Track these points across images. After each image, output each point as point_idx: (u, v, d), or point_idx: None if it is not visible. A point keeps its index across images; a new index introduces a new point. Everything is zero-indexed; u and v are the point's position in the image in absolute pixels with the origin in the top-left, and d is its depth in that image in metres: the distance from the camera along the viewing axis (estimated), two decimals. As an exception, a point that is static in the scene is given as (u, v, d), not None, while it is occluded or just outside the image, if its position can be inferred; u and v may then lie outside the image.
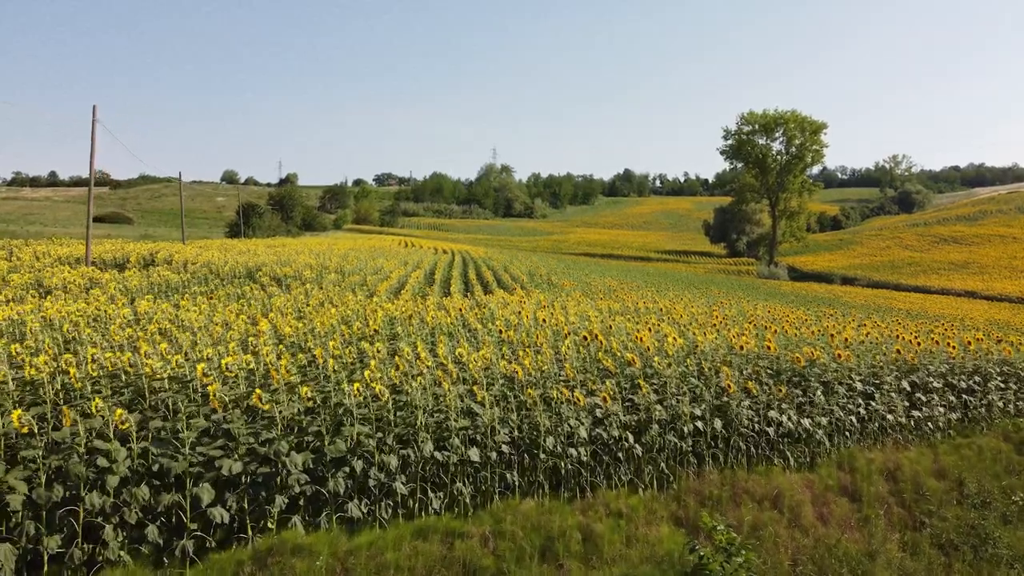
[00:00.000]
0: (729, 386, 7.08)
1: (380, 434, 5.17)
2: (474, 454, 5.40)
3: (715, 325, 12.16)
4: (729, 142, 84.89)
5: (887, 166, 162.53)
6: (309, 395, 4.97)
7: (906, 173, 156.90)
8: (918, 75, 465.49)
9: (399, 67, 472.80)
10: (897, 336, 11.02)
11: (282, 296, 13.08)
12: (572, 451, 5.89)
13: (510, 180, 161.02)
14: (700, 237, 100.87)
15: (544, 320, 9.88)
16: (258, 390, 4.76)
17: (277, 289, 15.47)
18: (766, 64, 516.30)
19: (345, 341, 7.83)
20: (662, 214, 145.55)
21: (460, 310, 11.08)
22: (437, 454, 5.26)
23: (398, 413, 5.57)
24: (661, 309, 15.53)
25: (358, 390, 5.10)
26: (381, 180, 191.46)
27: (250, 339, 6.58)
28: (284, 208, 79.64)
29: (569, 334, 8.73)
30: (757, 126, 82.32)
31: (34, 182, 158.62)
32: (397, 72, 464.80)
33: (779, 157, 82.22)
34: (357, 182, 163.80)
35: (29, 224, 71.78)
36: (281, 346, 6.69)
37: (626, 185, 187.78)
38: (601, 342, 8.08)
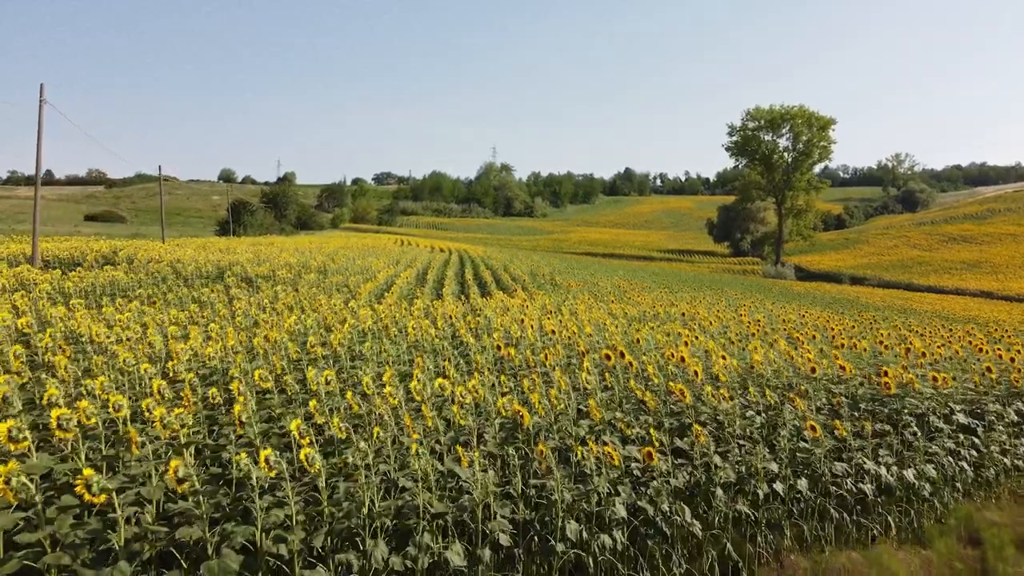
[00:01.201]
0: (812, 427, 5.14)
1: (304, 532, 3.23)
2: (456, 554, 3.47)
3: (755, 335, 10.23)
4: (734, 138, 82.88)
5: (889, 165, 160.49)
6: (182, 473, 3.02)
7: (909, 172, 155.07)
8: (918, 75, 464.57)
9: (399, 67, 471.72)
10: (980, 349, 9.08)
11: (245, 300, 11.15)
12: (604, 538, 3.95)
13: (510, 179, 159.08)
14: (702, 236, 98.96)
15: (553, 331, 7.93)
16: (88, 470, 2.82)
17: (245, 291, 13.55)
18: (766, 64, 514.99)
19: (292, 364, 5.92)
20: (663, 213, 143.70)
21: (450, 318, 9.14)
22: (395, 559, 3.32)
23: (342, 486, 3.65)
24: (683, 314, 13.60)
25: (267, 460, 3.16)
26: (380, 179, 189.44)
27: (144, 368, 4.64)
28: (278, 206, 77.72)
29: (587, 352, 6.79)
30: (763, 122, 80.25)
31: (30, 181, 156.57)
32: (397, 72, 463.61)
33: (786, 154, 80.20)
34: (356, 181, 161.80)
35: (18, 223, 69.86)
36: (192, 375, 4.74)
37: (627, 184, 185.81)
38: (630, 363, 6.15)
